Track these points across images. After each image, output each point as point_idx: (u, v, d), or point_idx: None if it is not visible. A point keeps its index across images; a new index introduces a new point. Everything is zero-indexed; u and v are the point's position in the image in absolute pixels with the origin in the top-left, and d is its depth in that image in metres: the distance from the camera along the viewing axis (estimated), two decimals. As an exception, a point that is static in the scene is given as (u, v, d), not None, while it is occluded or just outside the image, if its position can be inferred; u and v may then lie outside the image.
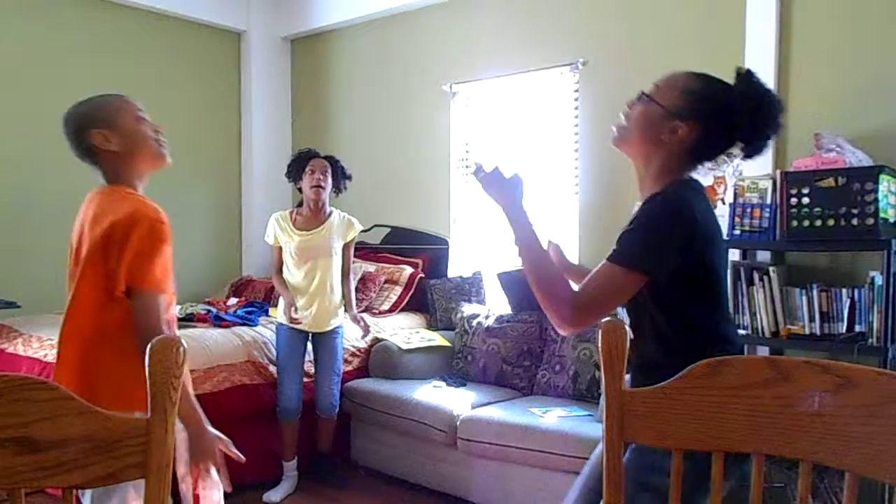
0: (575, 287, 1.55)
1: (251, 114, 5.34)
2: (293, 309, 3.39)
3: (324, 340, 3.53)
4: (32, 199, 4.39)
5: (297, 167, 3.59)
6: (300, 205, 3.64)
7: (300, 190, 3.61)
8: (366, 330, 3.62)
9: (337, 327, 3.56)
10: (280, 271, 3.58)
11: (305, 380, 3.56)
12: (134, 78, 4.83)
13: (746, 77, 1.60)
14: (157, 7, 4.86)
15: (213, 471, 1.84)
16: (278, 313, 3.55)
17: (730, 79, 1.63)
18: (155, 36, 4.97)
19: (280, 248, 3.56)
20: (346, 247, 3.63)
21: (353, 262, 4.54)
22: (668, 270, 1.52)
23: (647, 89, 1.66)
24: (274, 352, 3.57)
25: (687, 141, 1.58)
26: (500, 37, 4.30)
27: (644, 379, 1.37)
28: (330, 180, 3.55)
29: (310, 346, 3.57)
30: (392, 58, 4.90)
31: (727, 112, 1.56)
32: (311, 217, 3.55)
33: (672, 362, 1.26)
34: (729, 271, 3.03)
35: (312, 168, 3.51)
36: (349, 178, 3.73)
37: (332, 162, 3.62)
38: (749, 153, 1.61)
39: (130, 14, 4.82)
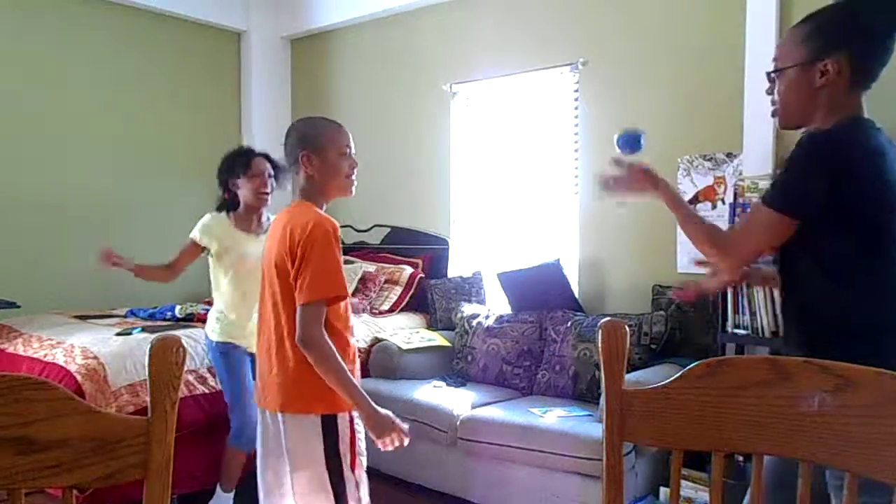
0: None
1: (251, 114, 5.34)
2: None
3: None
4: (33, 199, 4.39)
5: (240, 166, 3.06)
6: (228, 209, 3.12)
7: (228, 191, 3.11)
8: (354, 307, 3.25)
9: None
10: (174, 265, 3.14)
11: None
12: (134, 78, 4.84)
13: None
14: (157, 7, 4.86)
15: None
16: (208, 327, 3.08)
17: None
18: (155, 36, 4.97)
19: (198, 248, 3.11)
20: None
21: (353, 261, 4.56)
22: (813, 211, 1.47)
23: (769, 68, 1.63)
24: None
25: (842, 72, 1.52)
26: (500, 37, 4.30)
27: (799, 333, 1.56)
28: (273, 182, 3.10)
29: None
30: (392, 58, 4.90)
31: (854, 21, 1.51)
32: (251, 223, 3.09)
33: (832, 318, 1.47)
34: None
35: (255, 172, 3.03)
36: (283, 169, 3.05)
37: (270, 159, 3.13)
38: (888, 54, 1.54)
39: (130, 14, 4.82)
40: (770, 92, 1.63)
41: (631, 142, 1.76)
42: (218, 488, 3.11)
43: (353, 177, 2.25)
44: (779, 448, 0.96)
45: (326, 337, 1.90)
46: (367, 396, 1.93)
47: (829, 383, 0.92)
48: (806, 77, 1.54)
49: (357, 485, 2.01)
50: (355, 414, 1.98)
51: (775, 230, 1.52)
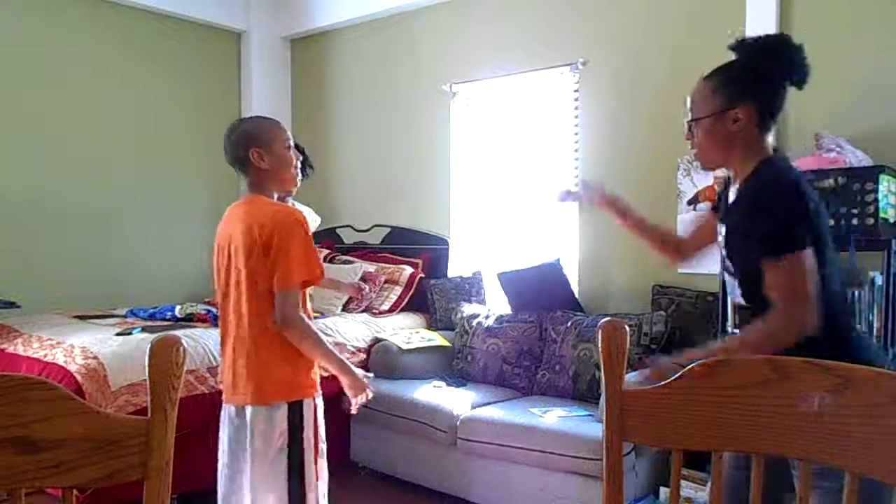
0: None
1: (251, 114, 5.32)
2: None
3: None
4: (33, 199, 4.39)
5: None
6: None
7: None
8: (358, 291, 3.36)
9: None
10: None
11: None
12: (134, 78, 4.84)
13: (741, 44, 1.74)
14: (157, 7, 4.86)
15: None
16: None
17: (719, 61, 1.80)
18: (155, 36, 4.97)
19: None
20: None
21: (353, 261, 4.56)
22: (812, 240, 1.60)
23: (686, 118, 1.80)
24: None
25: (752, 118, 1.70)
26: (500, 37, 4.30)
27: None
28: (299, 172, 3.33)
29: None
30: (392, 58, 4.90)
31: (758, 74, 1.69)
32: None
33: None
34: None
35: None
36: (312, 167, 3.60)
37: (301, 152, 3.37)
38: (799, 84, 1.71)
39: (130, 14, 4.82)
40: (689, 138, 1.81)
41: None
42: None
43: (298, 166, 2.32)
44: (779, 448, 0.96)
45: (304, 316, 2.05)
46: (347, 361, 2.18)
47: (829, 383, 0.92)
48: (721, 124, 1.72)
49: (317, 475, 2.11)
50: (319, 402, 2.13)
51: (811, 266, 1.59)
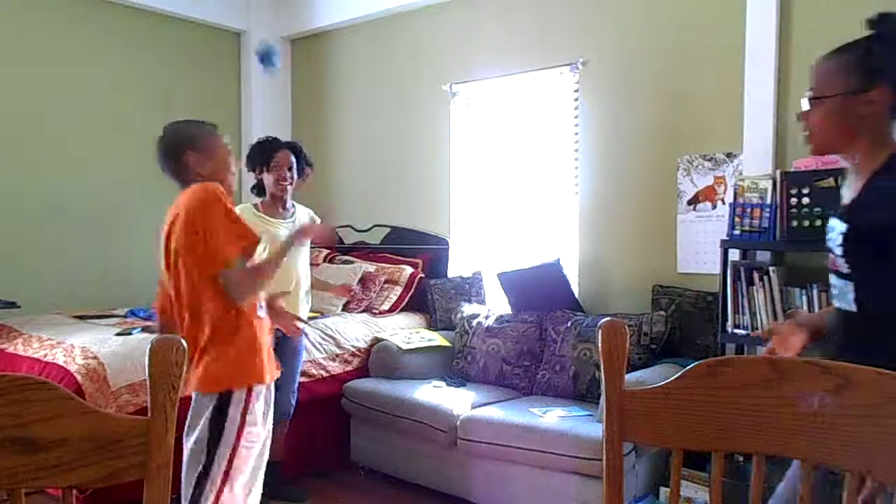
0: None
1: (251, 114, 5.34)
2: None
3: (289, 342, 3.26)
4: (33, 199, 4.39)
5: (262, 157, 3.33)
6: (258, 195, 3.44)
7: (260, 180, 3.38)
8: (348, 292, 3.36)
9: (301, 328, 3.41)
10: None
11: None
12: (135, 78, 4.84)
13: (883, 18, 1.57)
14: (157, 7, 4.86)
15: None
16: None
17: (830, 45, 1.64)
18: (155, 36, 4.97)
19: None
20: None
21: (353, 261, 4.56)
22: None
23: (807, 95, 1.63)
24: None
25: (888, 102, 1.55)
26: (500, 37, 4.30)
27: (870, 360, 1.37)
28: (295, 173, 3.34)
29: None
30: (392, 58, 4.90)
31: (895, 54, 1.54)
32: (276, 210, 3.34)
33: None
34: (737, 271, 3.03)
35: (278, 162, 3.29)
36: (311, 165, 3.52)
37: (296, 151, 3.38)
38: None
39: (130, 14, 4.82)
40: (804, 118, 1.64)
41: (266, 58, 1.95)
42: None
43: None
44: (779, 448, 0.96)
45: (239, 276, 2.07)
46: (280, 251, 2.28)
47: (829, 383, 0.92)
48: (850, 106, 1.56)
49: (228, 473, 2.05)
50: (253, 396, 2.09)
51: None
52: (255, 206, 3.37)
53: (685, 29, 3.60)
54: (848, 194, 1.64)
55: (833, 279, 1.66)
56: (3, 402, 0.89)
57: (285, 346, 3.37)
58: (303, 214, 3.46)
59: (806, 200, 2.84)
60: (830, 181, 2.80)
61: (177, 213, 2.09)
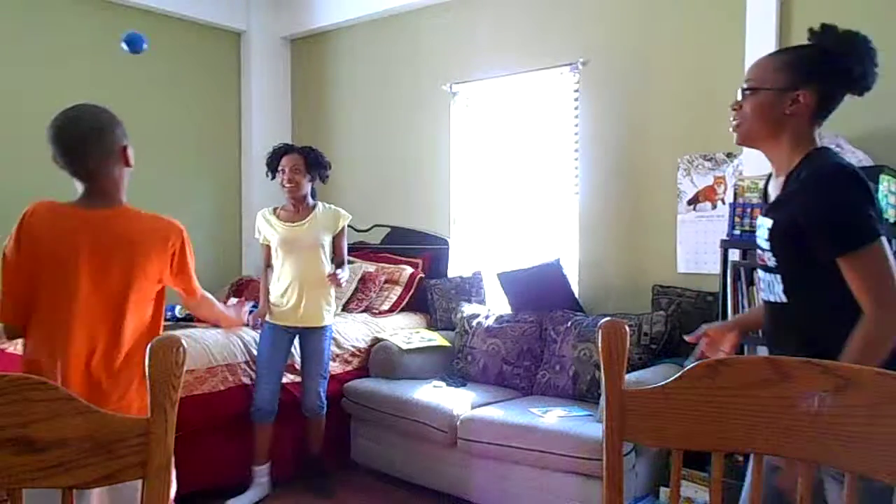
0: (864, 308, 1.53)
1: (251, 114, 5.34)
2: (259, 319, 3.45)
3: (311, 339, 3.45)
4: (33, 199, 4.38)
5: (271, 164, 3.54)
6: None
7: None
8: (335, 280, 3.39)
9: (325, 327, 3.47)
10: (269, 267, 3.54)
11: (295, 379, 3.53)
12: (134, 78, 4.83)
13: (823, 30, 1.67)
14: (157, 7, 4.86)
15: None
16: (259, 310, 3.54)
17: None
18: (155, 36, 4.95)
19: (269, 246, 3.51)
20: (336, 237, 3.53)
21: (353, 261, 4.56)
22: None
23: (742, 86, 1.69)
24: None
25: (811, 104, 1.63)
26: (500, 37, 4.30)
27: (805, 348, 1.43)
28: (305, 174, 3.47)
29: (297, 343, 3.51)
30: (392, 58, 4.90)
31: (833, 63, 1.63)
32: (293, 212, 3.50)
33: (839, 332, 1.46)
34: (737, 271, 3.03)
35: (283, 167, 3.46)
36: (327, 166, 3.60)
37: (306, 154, 3.52)
38: (862, 90, 1.66)
39: (130, 14, 4.82)
40: (735, 107, 1.72)
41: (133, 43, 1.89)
42: (253, 468, 3.43)
43: None
44: (779, 448, 0.96)
45: None
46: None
47: (829, 383, 0.92)
48: (778, 102, 1.64)
49: None
50: None
51: (889, 255, 1.53)
52: (276, 209, 3.57)
53: (685, 29, 3.60)
54: (773, 192, 1.72)
55: (761, 273, 1.74)
56: (3, 402, 0.89)
57: (306, 345, 3.43)
58: (324, 216, 3.53)
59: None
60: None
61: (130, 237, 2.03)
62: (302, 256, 3.41)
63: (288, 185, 3.44)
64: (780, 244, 1.65)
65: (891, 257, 1.52)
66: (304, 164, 3.48)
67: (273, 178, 3.55)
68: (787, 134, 1.65)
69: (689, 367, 1.00)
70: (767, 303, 1.73)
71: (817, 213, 1.56)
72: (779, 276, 1.67)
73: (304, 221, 3.47)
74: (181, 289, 2.12)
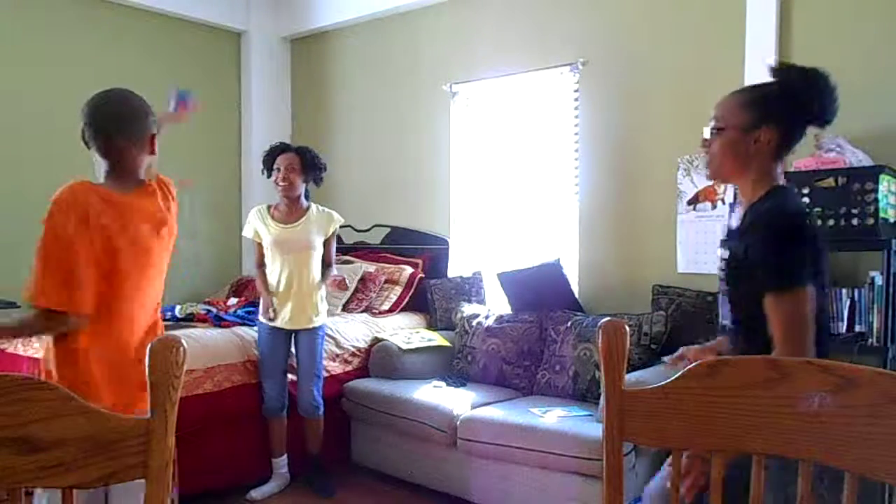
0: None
1: (251, 114, 5.34)
2: (271, 310, 3.41)
3: (304, 340, 3.47)
4: (33, 199, 4.38)
5: (267, 162, 3.55)
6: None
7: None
8: (340, 284, 3.46)
9: (318, 327, 3.50)
10: (261, 266, 3.54)
11: (293, 379, 3.55)
12: (134, 78, 4.80)
13: (786, 68, 1.76)
14: (157, 7, 4.86)
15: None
16: (261, 311, 3.53)
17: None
18: (155, 36, 4.97)
19: (260, 244, 3.53)
20: (327, 241, 3.56)
21: (353, 261, 4.56)
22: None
23: (710, 125, 1.80)
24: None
25: (772, 142, 1.72)
26: (500, 37, 4.30)
27: None
28: (300, 174, 3.49)
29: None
30: (392, 58, 4.90)
31: (794, 101, 1.71)
32: (287, 212, 3.52)
33: None
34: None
35: (278, 165, 3.48)
36: (322, 168, 3.62)
37: (302, 154, 3.53)
38: (822, 124, 1.74)
39: (130, 14, 4.82)
40: (704, 145, 1.81)
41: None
42: (272, 460, 3.52)
43: None
44: (779, 448, 0.96)
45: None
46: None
47: (829, 383, 0.92)
48: (742, 140, 1.73)
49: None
50: None
51: (811, 306, 1.62)
52: (269, 206, 3.58)
53: (685, 29, 3.60)
54: (735, 223, 1.80)
55: (720, 299, 1.83)
56: (3, 402, 0.89)
57: (300, 345, 3.44)
58: (317, 218, 3.55)
59: (806, 200, 2.84)
60: (830, 181, 2.80)
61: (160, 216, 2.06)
62: (293, 258, 3.43)
63: (282, 184, 3.46)
64: (731, 275, 1.75)
65: (811, 309, 1.61)
66: (300, 163, 3.50)
67: (269, 176, 3.57)
68: (752, 170, 1.74)
69: (689, 367, 1.00)
70: (723, 328, 1.84)
71: (758, 252, 1.66)
72: (729, 303, 1.78)
73: (297, 223, 3.49)
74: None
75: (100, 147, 1.97)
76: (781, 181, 1.75)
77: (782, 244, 1.63)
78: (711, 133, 1.79)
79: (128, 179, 2.00)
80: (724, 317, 1.81)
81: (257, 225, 3.52)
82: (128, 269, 1.93)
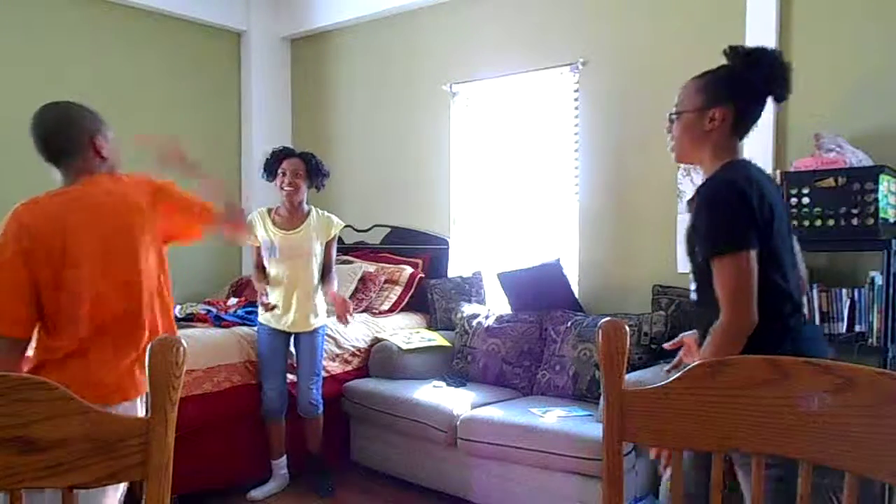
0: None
1: (251, 114, 5.34)
2: (263, 297, 3.40)
3: (305, 340, 3.48)
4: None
5: (270, 166, 3.53)
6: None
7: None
8: (343, 308, 3.39)
9: (318, 328, 3.52)
10: (259, 267, 3.53)
11: (293, 379, 3.55)
12: (134, 77, 4.84)
13: (733, 51, 1.85)
14: (157, 7, 4.86)
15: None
16: (260, 312, 3.52)
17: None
18: (155, 36, 4.97)
19: (259, 247, 3.51)
20: (327, 245, 3.55)
21: (353, 261, 4.56)
22: (756, 241, 1.70)
23: (672, 111, 1.92)
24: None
25: (727, 120, 1.82)
26: (500, 37, 4.30)
27: None
28: (305, 179, 3.50)
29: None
30: (392, 58, 4.90)
31: (741, 80, 1.81)
32: (288, 217, 3.51)
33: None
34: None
35: (284, 170, 3.46)
36: (326, 174, 3.62)
37: (307, 159, 3.53)
38: (778, 98, 1.84)
39: (130, 14, 4.82)
40: (669, 130, 1.94)
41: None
42: (271, 462, 3.51)
43: None
44: (779, 448, 0.96)
45: None
46: None
47: (829, 383, 0.92)
48: (699, 121, 1.84)
49: None
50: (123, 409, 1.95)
51: (752, 268, 1.68)
52: (270, 210, 3.56)
53: (685, 29, 3.60)
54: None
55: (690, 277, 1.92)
56: (3, 402, 0.89)
57: (300, 345, 3.44)
58: (318, 223, 3.54)
59: (806, 200, 2.84)
60: (830, 181, 2.80)
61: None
62: (293, 264, 3.44)
63: (288, 189, 3.45)
64: (687, 248, 1.86)
65: (752, 270, 1.67)
66: (305, 169, 3.50)
67: (270, 179, 3.55)
68: (709, 148, 1.85)
69: (688, 367, 1.00)
70: (691, 301, 1.93)
71: (696, 221, 1.77)
72: (692, 278, 1.88)
73: (299, 229, 3.49)
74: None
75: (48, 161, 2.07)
76: (736, 156, 1.84)
77: (718, 210, 1.72)
78: (671, 118, 1.91)
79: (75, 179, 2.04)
80: (692, 293, 1.90)
81: (258, 230, 3.51)
82: (84, 263, 1.92)
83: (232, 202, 2.40)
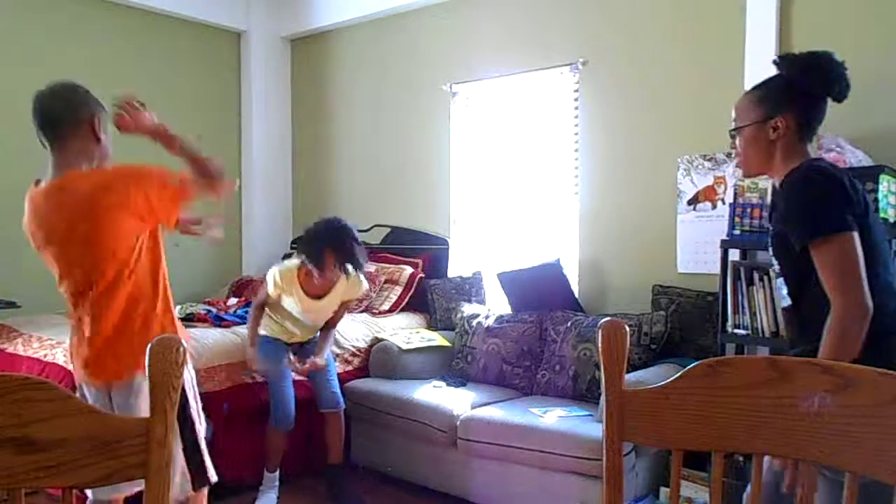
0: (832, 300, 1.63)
1: (251, 114, 5.34)
2: (250, 361, 3.31)
3: (309, 344, 3.50)
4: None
5: (317, 250, 3.13)
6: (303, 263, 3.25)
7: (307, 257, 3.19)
8: (310, 368, 3.34)
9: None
10: (262, 306, 3.36)
11: (296, 378, 3.49)
12: (134, 77, 4.83)
13: (785, 59, 1.86)
14: (157, 7, 4.86)
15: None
16: (260, 326, 3.40)
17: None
18: (155, 36, 4.97)
19: (277, 294, 3.31)
20: (344, 303, 3.45)
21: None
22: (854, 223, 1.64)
23: (731, 128, 1.92)
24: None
25: (791, 127, 1.81)
26: (500, 37, 4.30)
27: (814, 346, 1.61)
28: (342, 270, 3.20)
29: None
30: (392, 58, 4.90)
31: (798, 87, 1.81)
32: (319, 286, 3.28)
33: None
34: (737, 270, 3.03)
35: (333, 263, 3.13)
36: (360, 267, 3.25)
37: (352, 259, 3.17)
38: (838, 98, 1.83)
39: (130, 14, 4.82)
40: (732, 147, 1.93)
41: None
42: (265, 471, 3.39)
43: None
44: (779, 448, 0.96)
45: None
46: None
47: (830, 383, 0.92)
48: (762, 133, 1.83)
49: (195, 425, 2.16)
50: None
51: (857, 250, 1.62)
52: (299, 269, 3.27)
53: (685, 29, 3.60)
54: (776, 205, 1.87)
55: (776, 283, 1.88)
56: (3, 402, 0.89)
57: (306, 351, 3.43)
58: (344, 288, 3.36)
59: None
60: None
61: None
62: (311, 319, 3.42)
63: (320, 281, 3.22)
64: (778, 249, 1.80)
65: (859, 252, 1.61)
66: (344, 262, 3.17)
67: (311, 261, 3.15)
68: (779, 155, 1.83)
69: (689, 367, 1.00)
70: (784, 308, 1.86)
71: (789, 210, 1.72)
72: (783, 280, 1.81)
73: (326, 296, 3.33)
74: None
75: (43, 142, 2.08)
76: (809, 158, 1.81)
77: (813, 193, 1.68)
78: (733, 134, 1.90)
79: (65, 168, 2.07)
80: (784, 299, 1.83)
81: (284, 293, 3.29)
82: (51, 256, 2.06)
83: (199, 157, 2.41)
